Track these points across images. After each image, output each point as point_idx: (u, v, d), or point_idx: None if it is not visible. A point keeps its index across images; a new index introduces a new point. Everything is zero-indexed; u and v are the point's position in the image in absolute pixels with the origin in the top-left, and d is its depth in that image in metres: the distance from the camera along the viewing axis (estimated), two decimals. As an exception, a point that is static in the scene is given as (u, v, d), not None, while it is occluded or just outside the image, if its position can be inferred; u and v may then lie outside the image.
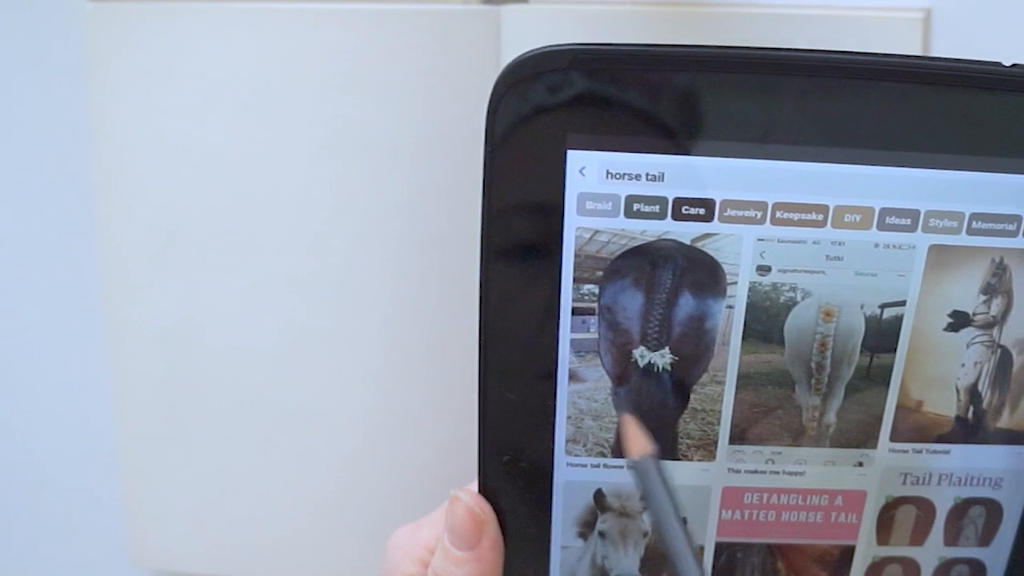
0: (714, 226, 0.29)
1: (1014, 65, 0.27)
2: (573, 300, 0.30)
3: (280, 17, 0.44)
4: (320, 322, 0.47)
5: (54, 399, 0.54)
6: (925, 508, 0.33)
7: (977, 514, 0.33)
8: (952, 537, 0.33)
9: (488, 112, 0.28)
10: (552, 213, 0.29)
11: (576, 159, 0.28)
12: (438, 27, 0.42)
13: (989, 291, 0.30)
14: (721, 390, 0.31)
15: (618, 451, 0.32)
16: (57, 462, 0.55)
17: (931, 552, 0.33)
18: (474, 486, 0.32)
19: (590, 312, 0.30)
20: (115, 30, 0.45)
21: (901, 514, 0.33)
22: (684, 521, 0.27)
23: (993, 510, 0.33)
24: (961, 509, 0.33)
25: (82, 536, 0.56)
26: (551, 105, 0.28)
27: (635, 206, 0.29)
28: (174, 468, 0.50)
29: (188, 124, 0.45)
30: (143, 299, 0.48)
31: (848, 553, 0.33)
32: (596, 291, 0.30)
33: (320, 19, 0.43)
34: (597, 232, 0.29)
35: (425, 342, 0.46)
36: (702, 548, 0.33)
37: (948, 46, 0.39)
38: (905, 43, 0.39)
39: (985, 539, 0.33)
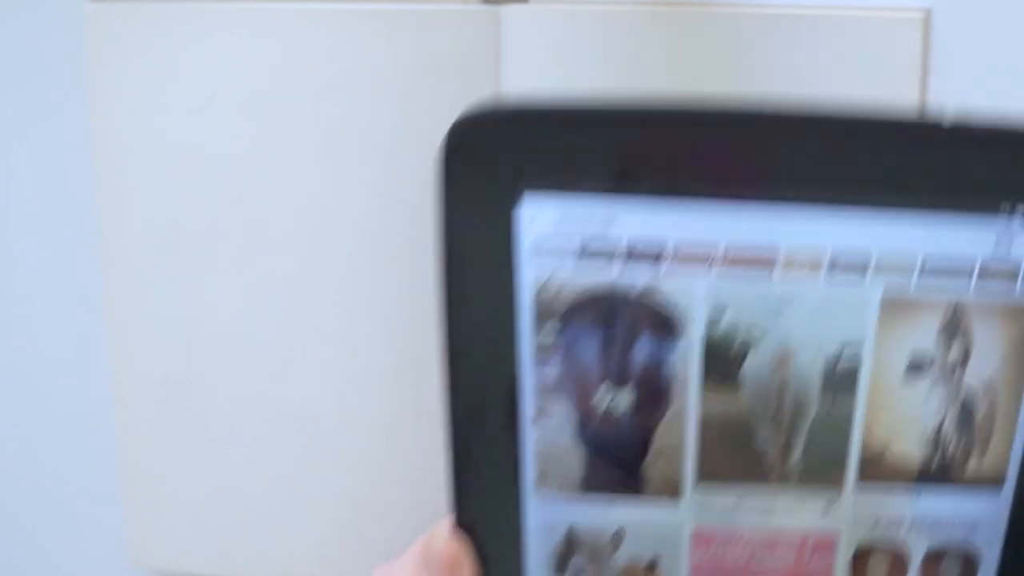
0: (665, 270, 0.30)
1: (952, 121, 0.28)
2: (533, 345, 0.31)
3: (279, 17, 0.44)
4: (320, 322, 0.47)
5: (54, 399, 0.54)
6: (898, 558, 0.33)
7: (952, 565, 0.33)
8: None
9: (437, 172, 0.29)
10: (507, 262, 0.30)
11: (528, 208, 0.29)
12: (438, 27, 0.43)
13: (947, 335, 0.30)
14: (684, 430, 0.32)
15: (586, 488, 0.33)
16: (57, 462, 0.55)
17: None
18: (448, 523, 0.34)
19: (550, 357, 0.31)
20: (115, 30, 0.45)
21: (874, 563, 0.33)
22: None
23: (968, 561, 0.32)
24: (935, 559, 0.33)
25: (82, 536, 0.56)
26: (499, 158, 0.29)
27: (587, 252, 0.30)
28: (174, 468, 0.50)
29: (188, 124, 0.46)
30: (143, 299, 0.48)
31: (824, 603, 0.33)
32: (554, 337, 0.31)
33: (319, 19, 0.44)
34: (552, 279, 0.30)
35: (426, 342, 0.46)
36: None
37: (948, 46, 0.39)
38: (905, 43, 0.39)
39: None
